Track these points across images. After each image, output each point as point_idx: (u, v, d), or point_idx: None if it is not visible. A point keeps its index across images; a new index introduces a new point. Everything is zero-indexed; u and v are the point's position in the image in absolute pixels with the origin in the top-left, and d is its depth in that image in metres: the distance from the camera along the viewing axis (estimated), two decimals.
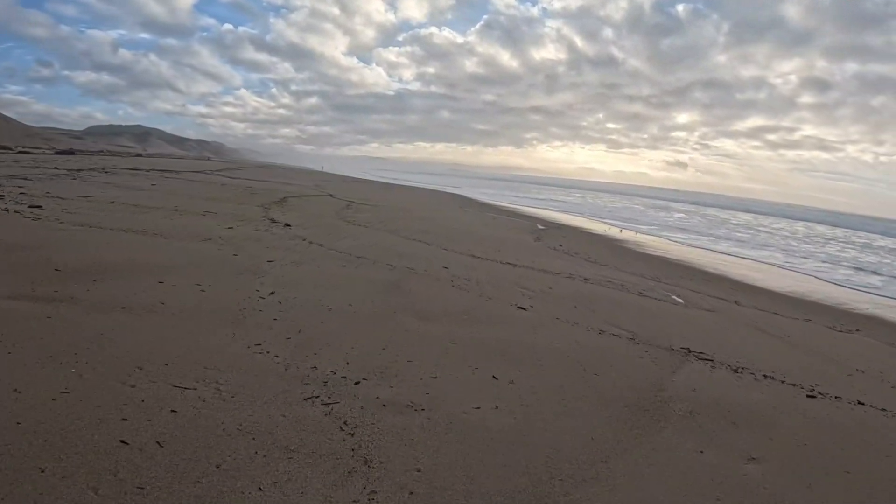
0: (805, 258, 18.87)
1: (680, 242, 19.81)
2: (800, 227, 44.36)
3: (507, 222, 19.01)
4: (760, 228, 35.31)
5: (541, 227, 18.82)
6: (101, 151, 57.18)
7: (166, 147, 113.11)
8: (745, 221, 41.87)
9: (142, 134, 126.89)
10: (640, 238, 19.56)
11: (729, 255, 17.35)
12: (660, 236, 21.41)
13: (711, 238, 22.64)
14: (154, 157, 55.36)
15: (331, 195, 20.10)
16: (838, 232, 42.22)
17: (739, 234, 27.58)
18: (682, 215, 39.72)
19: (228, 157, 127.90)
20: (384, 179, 51.05)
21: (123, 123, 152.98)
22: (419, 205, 21.74)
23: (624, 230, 22.06)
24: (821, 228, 46.48)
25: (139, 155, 58.07)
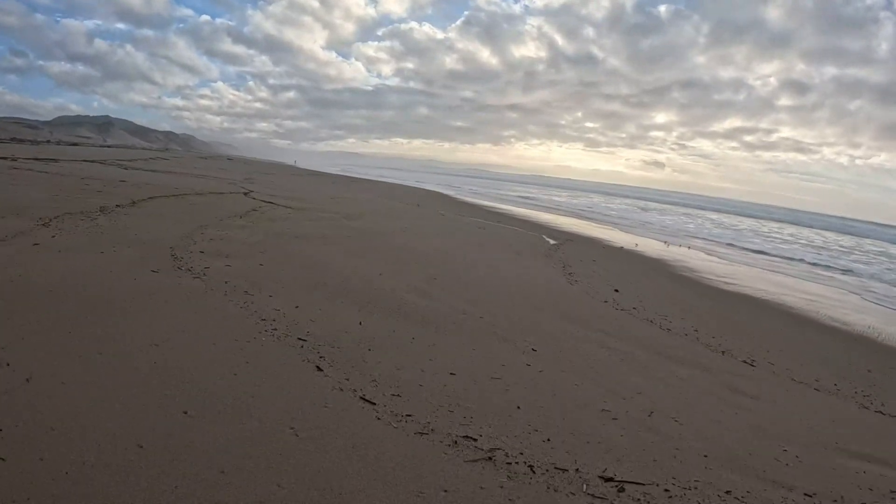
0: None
1: (753, 265, 14.26)
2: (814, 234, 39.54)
3: (504, 234, 13.23)
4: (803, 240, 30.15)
5: (551, 241, 13.09)
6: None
7: (128, 138, 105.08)
8: (753, 226, 36.83)
9: (104, 124, 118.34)
10: (700, 259, 13.96)
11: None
12: (720, 255, 15.84)
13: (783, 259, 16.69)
14: (79, 146, 48.07)
15: (247, 192, 14.03)
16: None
17: (787, 246, 22.21)
18: (684, 218, 34.53)
19: (197, 149, 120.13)
20: (353, 174, 44.86)
21: (97, 115, 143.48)
22: (381, 207, 15.84)
23: (669, 244, 16.50)
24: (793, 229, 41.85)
25: (71, 143, 51.48)
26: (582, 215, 25.98)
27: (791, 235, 30.32)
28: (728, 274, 11.45)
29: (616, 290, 7.64)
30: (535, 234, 14.11)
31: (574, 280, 8.04)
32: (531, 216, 20.34)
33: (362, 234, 9.24)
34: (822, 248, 24.13)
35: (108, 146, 70.19)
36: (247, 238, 7.38)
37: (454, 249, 9.14)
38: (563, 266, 9.22)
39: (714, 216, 44.12)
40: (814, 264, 15.94)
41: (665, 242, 17.00)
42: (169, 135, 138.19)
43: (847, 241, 32.38)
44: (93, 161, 20.01)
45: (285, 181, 22.46)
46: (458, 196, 28.09)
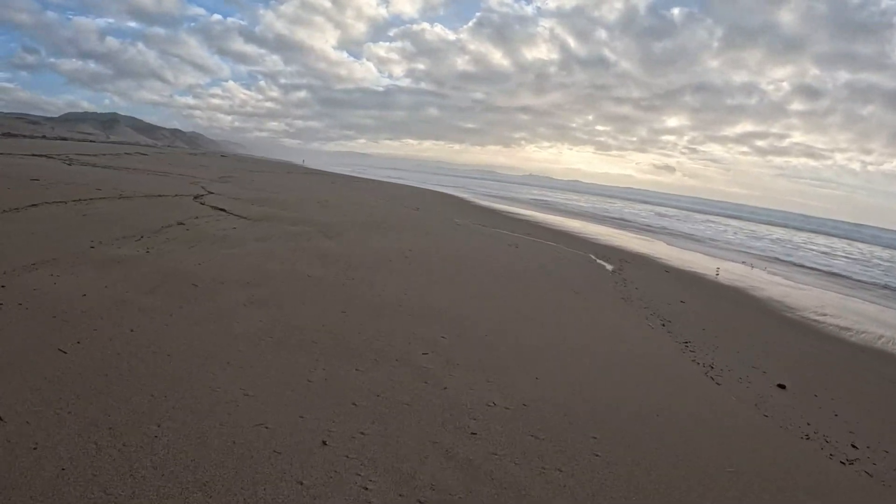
0: None
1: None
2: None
3: (544, 255, 9.80)
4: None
5: (605, 265, 9.59)
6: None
7: (133, 135, 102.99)
8: (786, 237, 32.79)
9: (108, 121, 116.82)
10: (797, 290, 10.41)
11: None
12: (802, 282, 12.30)
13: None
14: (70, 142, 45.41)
15: (199, 196, 10.72)
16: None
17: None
18: (714, 226, 30.75)
19: (203, 147, 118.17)
20: (359, 175, 41.63)
21: (106, 112, 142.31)
22: (379, 214, 12.47)
23: (752, 266, 13.03)
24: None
25: (61, 138, 49.23)
26: (613, 222, 22.70)
27: (829, 248, 26.29)
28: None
29: (781, 387, 4.15)
30: (581, 254, 10.65)
31: (701, 361, 4.53)
32: (562, 225, 16.82)
33: (332, 270, 5.82)
34: (888, 263, 20.39)
35: (111, 142, 68.20)
36: (92, 290, 4.00)
37: (487, 299, 5.69)
38: (658, 320, 5.72)
39: (735, 223, 40.44)
40: None
41: (747, 265, 13.47)
42: (175, 132, 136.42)
43: (883, 253, 28.00)
44: (41, 155, 16.89)
45: (276, 180, 19.18)
46: (473, 200, 24.63)
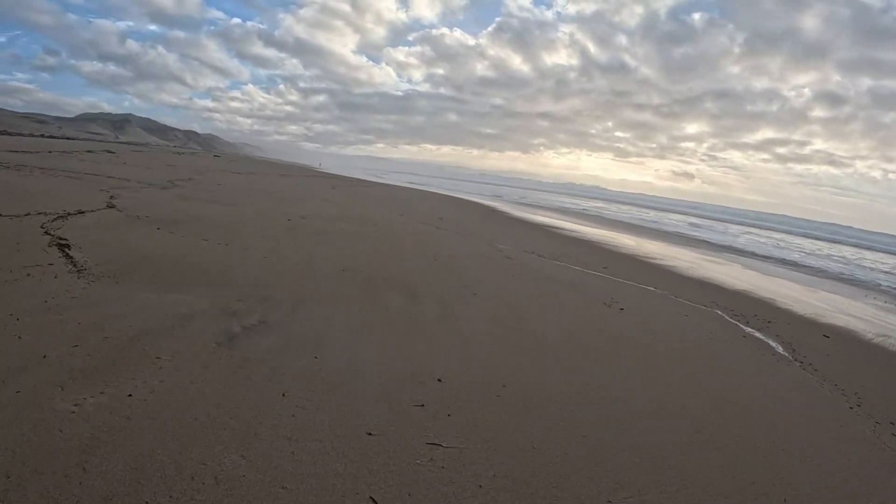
0: None
1: None
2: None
3: (658, 316, 5.28)
4: None
5: (769, 340, 5.04)
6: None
7: (144, 136, 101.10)
8: (847, 252, 27.46)
9: (119, 122, 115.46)
10: None
11: None
12: None
13: None
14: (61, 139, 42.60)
15: (62, 218, 6.52)
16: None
17: None
18: (773, 240, 26.25)
19: (218, 149, 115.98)
20: (373, 178, 37.61)
21: (122, 113, 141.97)
22: (392, 237, 8.13)
23: None
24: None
25: (63, 137, 46.86)
26: (662, 236, 18.90)
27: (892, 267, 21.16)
28: None
29: None
30: (706, 310, 6.19)
31: None
32: (623, 246, 12.26)
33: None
34: None
35: (120, 142, 65.84)
36: None
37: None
38: None
39: (774, 235, 35.45)
40: None
41: (867, 300, 8.82)
42: (189, 134, 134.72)
43: None
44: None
45: (258, 184, 15.05)
46: (505, 209, 20.17)
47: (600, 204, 48.32)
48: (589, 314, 5.38)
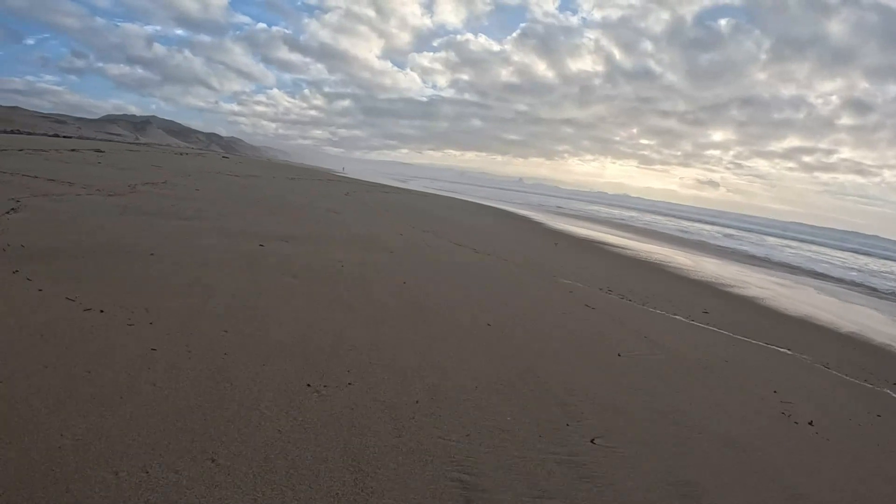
0: None
1: None
2: None
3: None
4: None
5: None
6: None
7: (165, 137, 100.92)
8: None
9: (140, 123, 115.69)
10: None
11: None
12: None
13: None
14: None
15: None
16: None
17: None
18: (820, 257, 23.50)
19: (243, 152, 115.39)
20: (394, 183, 35.00)
21: (146, 115, 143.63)
22: (407, 275, 5.21)
23: None
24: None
25: (75, 136, 46.07)
26: (725, 255, 16.54)
27: None
28: None
29: None
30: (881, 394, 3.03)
31: None
32: (692, 270, 9.21)
33: None
34: None
35: (138, 143, 65.35)
36: None
37: None
38: None
39: (816, 248, 32.12)
40: None
41: None
42: (211, 136, 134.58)
43: None
44: None
45: (251, 192, 12.32)
46: (543, 220, 17.07)
47: (631, 213, 45.48)
48: (776, 445, 2.35)
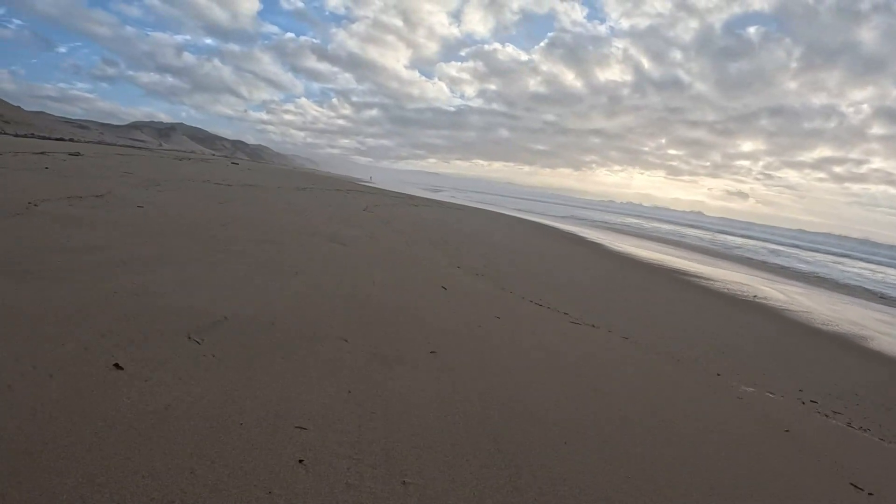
0: None
1: None
2: None
3: None
4: None
5: None
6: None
7: (190, 144, 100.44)
8: None
9: (165, 130, 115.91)
10: None
11: None
12: None
13: None
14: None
15: None
16: None
17: None
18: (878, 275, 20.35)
19: (268, 160, 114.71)
20: (429, 194, 31.86)
21: (172, 122, 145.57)
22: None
23: None
24: None
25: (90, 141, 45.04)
26: (794, 278, 14.29)
27: None
28: None
29: None
30: None
31: None
32: (786, 307, 5.20)
33: None
34: None
35: (161, 150, 64.74)
36: None
37: None
38: None
39: (858, 263, 28.46)
40: None
41: None
42: (237, 143, 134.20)
43: None
44: None
45: (251, 204, 9.00)
46: (603, 242, 13.30)
47: (667, 226, 42.20)
48: None
